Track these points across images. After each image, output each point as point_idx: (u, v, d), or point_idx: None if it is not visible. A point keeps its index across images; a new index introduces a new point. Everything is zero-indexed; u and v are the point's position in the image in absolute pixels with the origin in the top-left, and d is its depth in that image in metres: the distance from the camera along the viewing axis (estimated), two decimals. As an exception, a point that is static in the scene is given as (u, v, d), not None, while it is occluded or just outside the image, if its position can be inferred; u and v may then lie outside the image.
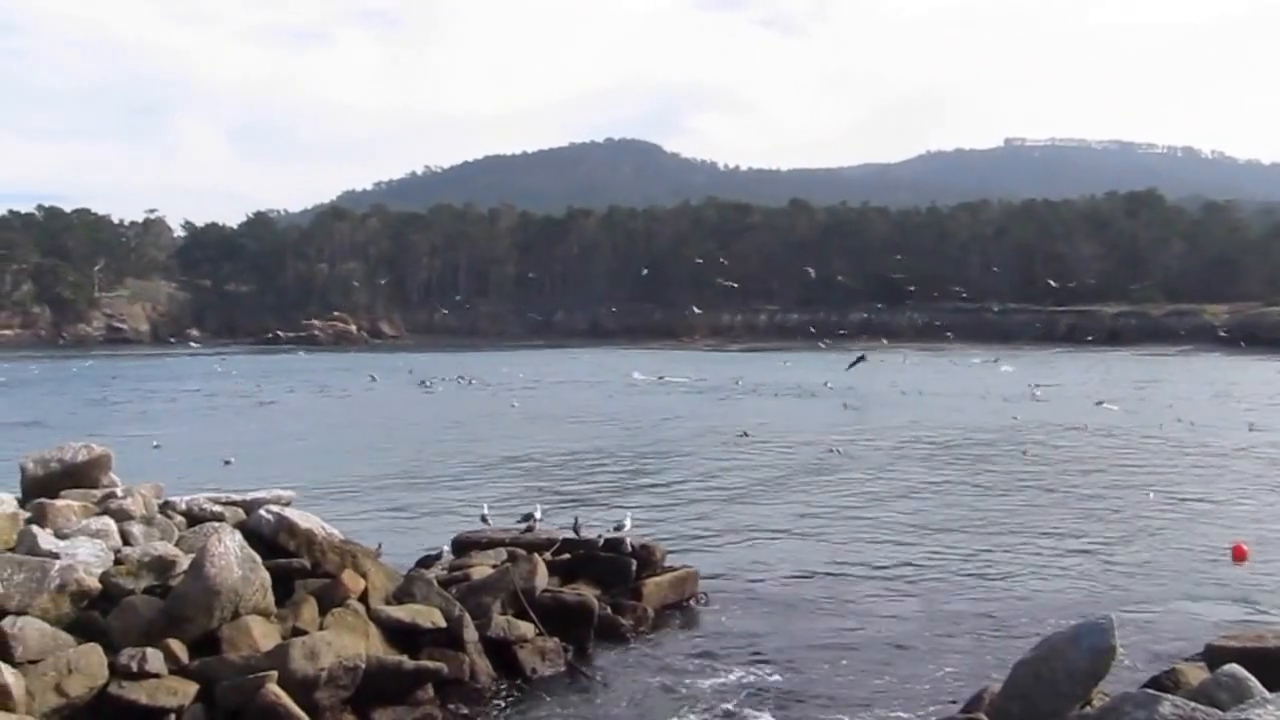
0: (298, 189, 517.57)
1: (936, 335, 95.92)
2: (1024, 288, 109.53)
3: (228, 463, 21.31)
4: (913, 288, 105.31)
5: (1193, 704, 5.80)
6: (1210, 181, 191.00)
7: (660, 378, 52.21)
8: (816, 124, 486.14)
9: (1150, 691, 6.15)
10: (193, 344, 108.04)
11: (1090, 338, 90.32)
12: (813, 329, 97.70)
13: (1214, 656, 7.13)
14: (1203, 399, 40.00)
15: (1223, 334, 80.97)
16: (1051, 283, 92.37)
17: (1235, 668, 6.29)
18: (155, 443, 25.08)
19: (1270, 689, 5.93)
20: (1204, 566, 13.30)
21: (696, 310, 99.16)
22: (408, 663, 8.43)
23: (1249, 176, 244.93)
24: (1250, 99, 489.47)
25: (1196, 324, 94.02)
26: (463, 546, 11.60)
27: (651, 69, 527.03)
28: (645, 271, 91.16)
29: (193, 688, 7.63)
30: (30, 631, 7.60)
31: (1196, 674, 6.93)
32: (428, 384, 50.43)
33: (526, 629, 9.48)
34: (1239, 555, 13.70)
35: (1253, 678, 6.13)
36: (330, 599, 8.87)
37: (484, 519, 12.61)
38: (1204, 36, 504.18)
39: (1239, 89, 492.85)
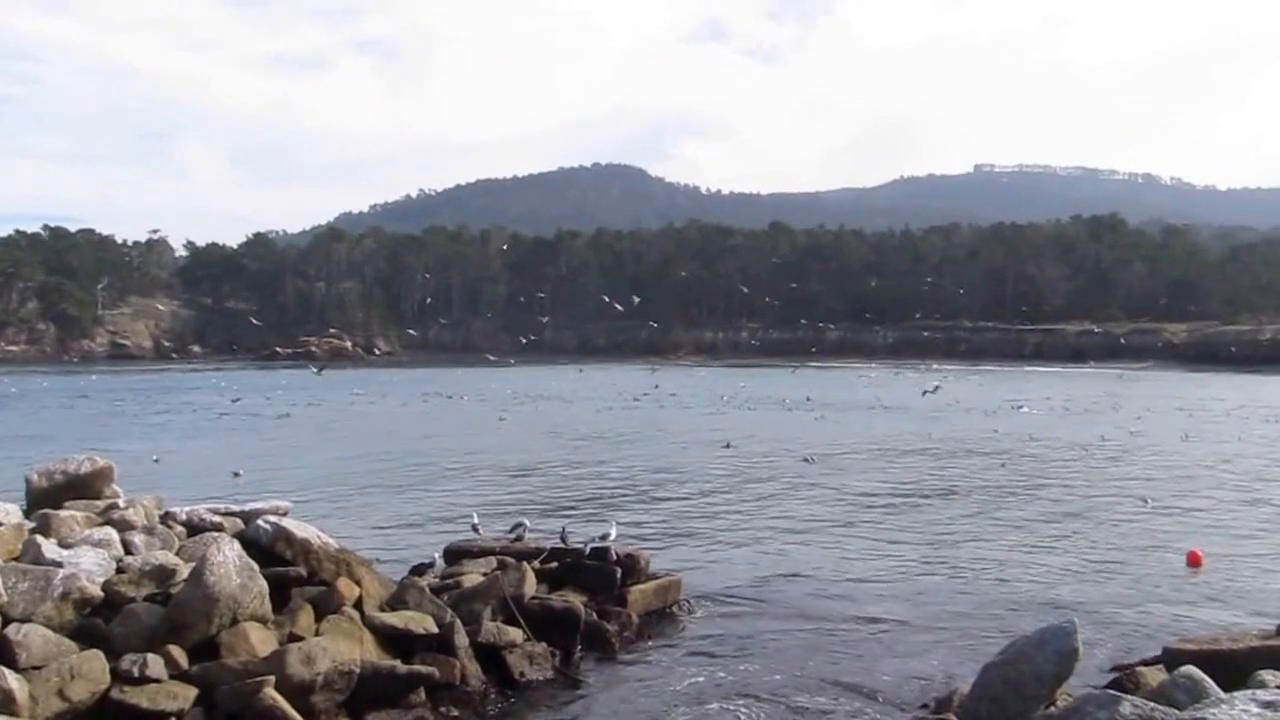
0: (296, 210, 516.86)
1: (909, 352, 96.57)
2: (993, 307, 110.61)
3: (237, 475, 21.23)
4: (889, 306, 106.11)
5: (1151, 704, 5.88)
6: (1169, 206, 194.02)
7: (645, 393, 52.24)
8: (796, 150, 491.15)
9: (1111, 692, 6.23)
10: (194, 360, 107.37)
11: (1049, 355, 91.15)
12: (801, 351, 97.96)
13: (1172, 658, 7.22)
14: (1161, 413, 40.46)
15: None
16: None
17: (1192, 669, 6.38)
18: (155, 456, 24.92)
19: (1225, 689, 6.02)
20: (1161, 571, 13.43)
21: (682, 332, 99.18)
22: (401, 667, 8.39)
23: (1206, 202, 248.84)
24: (1207, 129, 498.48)
25: (1157, 342, 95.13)
26: (454, 555, 11.56)
27: (638, 97, 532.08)
28: (636, 300, 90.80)
29: (192, 692, 7.56)
30: (34, 638, 7.53)
31: (1155, 675, 7.02)
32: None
33: (515, 635, 9.45)
34: (1194, 561, 13.83)
35: (1208, 679, 6.22)
36: (326, 606, 8.82)
37: (475, 529, 12.56)
38: (1164, 70, 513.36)
39: (1196, 119, 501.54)
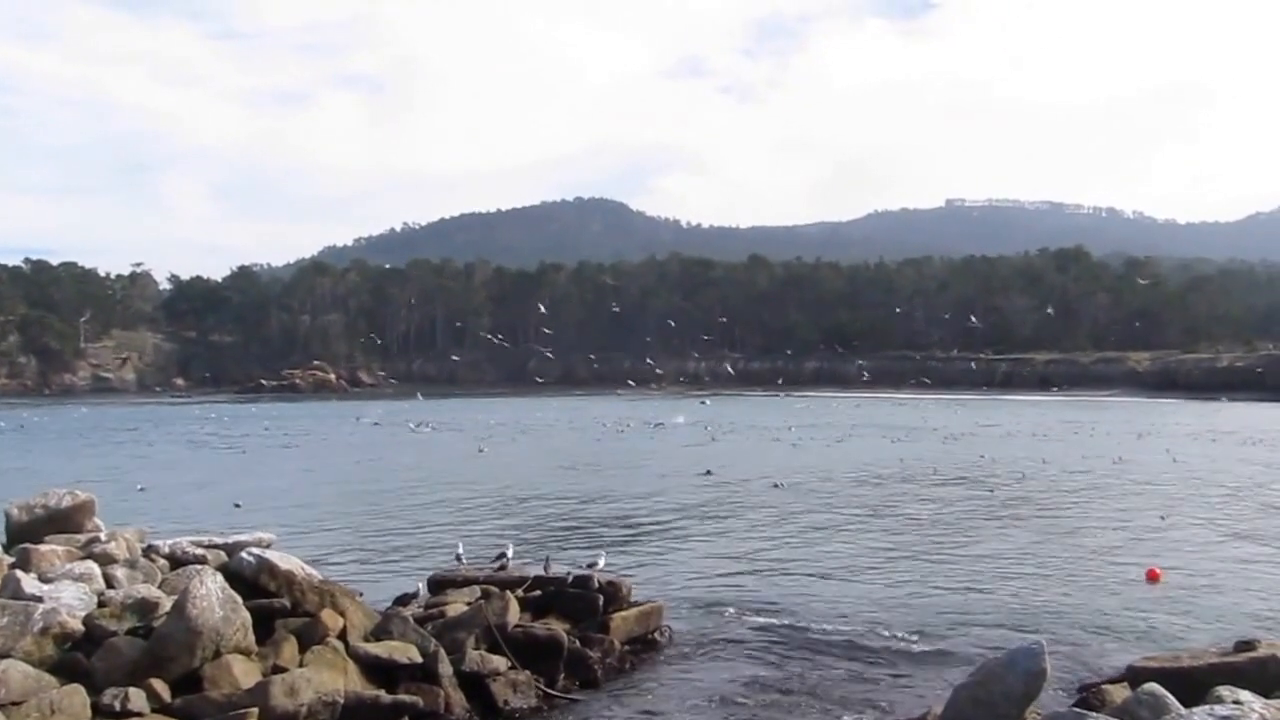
0: (281, 244, 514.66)
1: (884, 381, 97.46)
2: (964, 337, 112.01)
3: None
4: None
5: (1115, 720, 5.99)
6: (1132, 239, 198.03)
7: (627, 423, 52.26)
8: (773, 184, 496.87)
9: (1077, 710, 6.34)
10: (178, 393, 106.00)
11: (1022, 381, 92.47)
12: (780, 380, 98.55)
13: (1135, 676, 7.35)
14: (1122, 437, 41.04)
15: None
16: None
17: (1154, 686, 6.50)
18: (140, 485, 24.87)
19: (1185, 705, 6.14)
20: (1123, 589, 13.64)
21: (656, 366, 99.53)
22: (385, 697, 8.32)
23: (1166, 235, 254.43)
24: (1167, 165, 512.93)
25: (1121, 370, 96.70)
26: (438, 585, 11.48)
27: (619, 132, 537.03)
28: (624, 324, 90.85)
29: (175, 726, 7.46)
30: (13, 674, 7.40)
31: (1120, 693, 7.13)
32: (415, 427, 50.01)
33: (499, 663, 9.40)
34: (1152, 577, 14.11)
35: (1170, 695, 6.34)
36: (310, 637, 8.74)
37: (458, 558, 12.51)
38: (1127, 109, 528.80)
39: (1158, 156, 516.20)
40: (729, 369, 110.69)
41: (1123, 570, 14.77)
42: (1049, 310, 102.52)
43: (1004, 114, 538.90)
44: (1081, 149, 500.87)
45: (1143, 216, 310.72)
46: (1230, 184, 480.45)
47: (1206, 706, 5.89)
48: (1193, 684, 6.75)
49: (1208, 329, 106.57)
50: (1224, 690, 6.32)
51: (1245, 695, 6.15)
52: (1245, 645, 7.40)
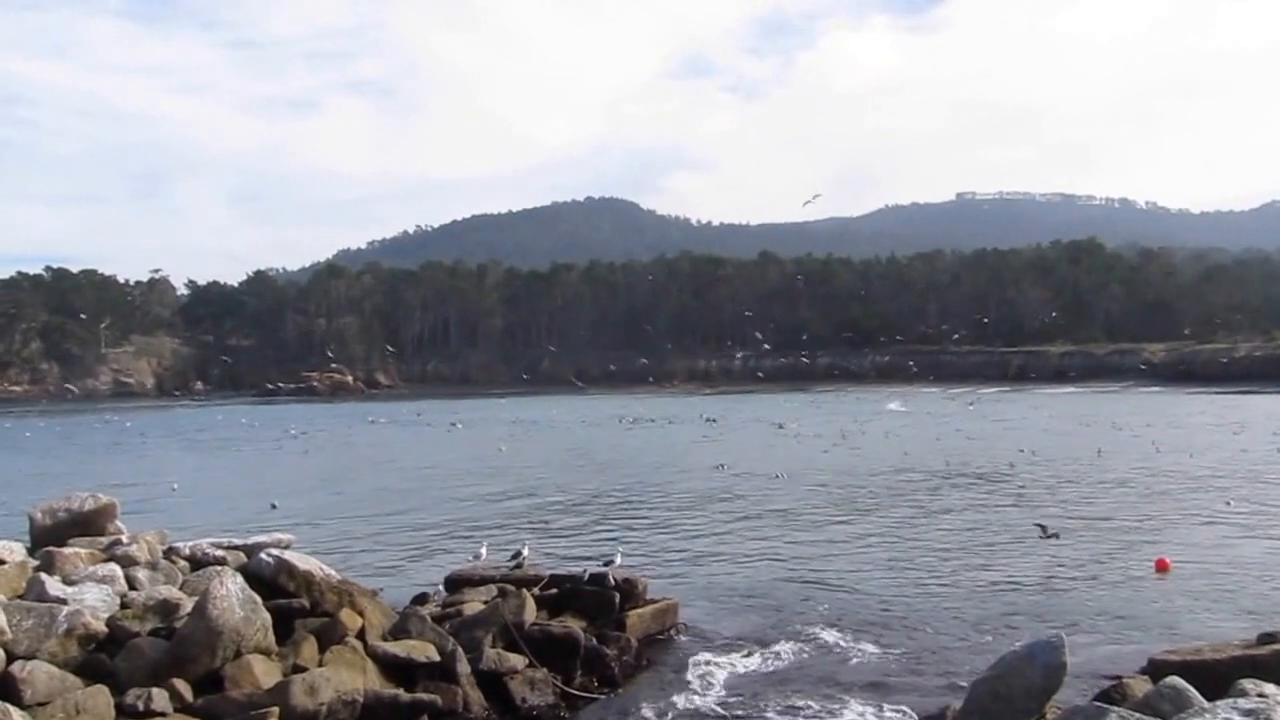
0: (296, 248, 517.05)
1: (897, 376, 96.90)
2: (977, 330, 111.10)
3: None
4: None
5: (1138, 715, 5.91)
6: (1145, 230, 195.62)
7: (642, 421, 52.22)
8: (782, 181, 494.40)
9: (1098, 704, 6.26)
10: (197, 396, 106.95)
11: (1034, 375, 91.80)
12: (793, 376, 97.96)
13: (1157, 669, 7.25)
14: (1134, 429, 40.56)
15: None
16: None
17: (1176, 680, 6.41)
18: (174, 484, 25.45)
19: (1208, 699, 6.05)
20: (1136, 581, 13.50)
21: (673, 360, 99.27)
22: (404, 696, 8.35)
23: (1180, 225, 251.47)
24: (1180, 155, 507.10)
25: (1136, 362, 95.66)
26: (455, 584, 11.52)
27: (627, 132, 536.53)
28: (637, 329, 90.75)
29: (197, 726, 7.50)
30: (39, 674, 7.48)
31: (1141, 686, 7.04)
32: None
33: (517, 661, 9.41)
34: (1162, 567, 13.99)
35: (1192, 688, 6.25)
36: (329, 637, 8.78)
37: (477, 557, 12.54)
38: (1138, 98, 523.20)
39: (1170, 146, 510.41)
40: (741, 366, 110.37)
41: (1136, 562, 14.62)
42: (1054, 314, 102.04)
43: (1013, 106, 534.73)
44: (1092, 140, 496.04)
45: (1156, 207, 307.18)
46: (1244, 173, 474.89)
47: (1230, 700, 5.79)
48: (1215, 677, 6.65)
49: (1224, 319, 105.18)
50: (1247, 683, 6.22)
51: (1270, 688, 6.05)
52: (1268, 637, 7.29)
